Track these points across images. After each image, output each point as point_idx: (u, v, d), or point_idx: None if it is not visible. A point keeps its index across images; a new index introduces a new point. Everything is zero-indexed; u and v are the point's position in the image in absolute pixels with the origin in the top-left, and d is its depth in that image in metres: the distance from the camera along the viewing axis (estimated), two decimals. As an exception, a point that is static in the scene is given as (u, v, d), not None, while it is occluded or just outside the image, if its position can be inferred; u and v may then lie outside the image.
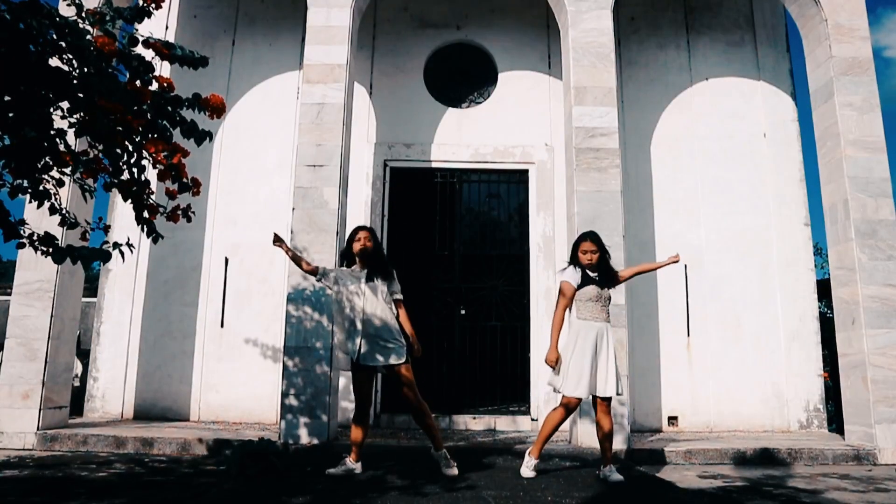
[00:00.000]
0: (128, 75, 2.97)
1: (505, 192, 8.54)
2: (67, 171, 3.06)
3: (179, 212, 3.37)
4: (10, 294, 6.78)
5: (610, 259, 5.06)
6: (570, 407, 4.85)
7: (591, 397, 4.92)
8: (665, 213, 8.26)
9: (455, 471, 4.79)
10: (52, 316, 6.55)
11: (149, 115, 3.01)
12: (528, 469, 4.84)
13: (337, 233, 6.61)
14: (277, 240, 5.05)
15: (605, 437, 4.85)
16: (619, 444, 6.10)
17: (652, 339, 7.93)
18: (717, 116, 8.52)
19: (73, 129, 2.89)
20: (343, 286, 4.87)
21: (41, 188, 3.02)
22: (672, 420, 7.77)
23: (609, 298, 4.96)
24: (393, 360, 4.78)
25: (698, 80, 8.65)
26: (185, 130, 3.14)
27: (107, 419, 7.57)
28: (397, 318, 4.91)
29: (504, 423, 7.64)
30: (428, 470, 4.96)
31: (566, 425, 7.01)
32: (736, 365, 7.88)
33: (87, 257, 3.05)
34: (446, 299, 8.19)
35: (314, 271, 5.04)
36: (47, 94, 2.73)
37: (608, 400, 4.84)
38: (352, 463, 4.86)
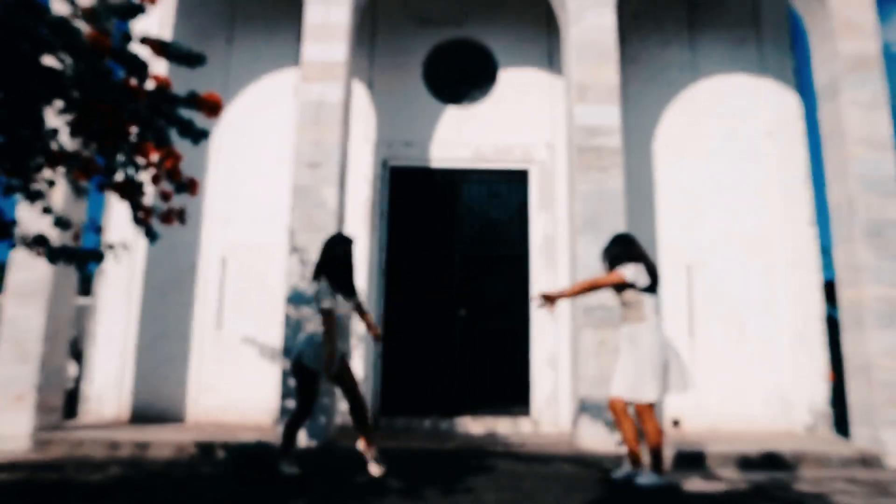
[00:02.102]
0: (123, 73, 2.91)
1: (505, 191, 8.47)
2: (61, 170, 3.01)
3: (173, 214, 3.32)
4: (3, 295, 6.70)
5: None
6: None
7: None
8: (667, 212, 8.19)
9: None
10: (46, 317, 6.46)
11: (145, 114, 2.95)
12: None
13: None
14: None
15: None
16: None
17: (654, 340, 7.85)
18: (720, 115, 8.45)
19: (67, 128, 2.83)
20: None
21: (34, 189, 2.97)
22: (675, 422, 7.71)
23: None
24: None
25: (702, 77, 8.58)
26: (182, 129, 3.09)
27: (102, 421, 7.48)
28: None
29: (505, 426, 7.58)
30: (427, 473, 4.91)
31: (568, 428, 6.95)
32: (740, 366, 7.81)
33: (81, 258, 3.01)
34: (446, 299, 8.12)
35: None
36: (41, 93, 2.67)
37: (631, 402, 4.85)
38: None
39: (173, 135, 3.12)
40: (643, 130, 8.41)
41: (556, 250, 7.99)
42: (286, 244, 7.09)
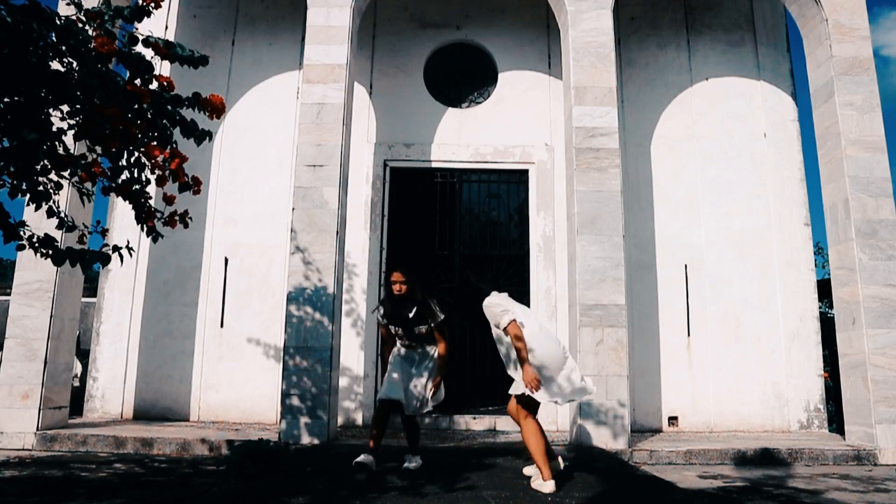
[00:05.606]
0: (128, 75, 2.97)
1: (505, 192, 8.53)
2: (66, 173, 3.06)
3: (177, 217, 3.37)
4: (9, 294, 6.77)
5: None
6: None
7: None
8: (665, 212, 8.25)
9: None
10: (51, 316, 6.55)
11: (149, 115, 3.01)
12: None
13: (337, 232, 6.60)
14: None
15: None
16: (619, 444, 6.11)
17: (652, 339, 7.92)
18: (717, 116, 8.52)
19: (73, 132, 2.89)
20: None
21: (39, 189, 3.02)
22: (672, 420, 7.77)
23: None
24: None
25: (698, 80, 8.65)
26: (185, 130, 3.14)
27: (106, 419, 7.57)
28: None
29: (505, 424, 7.62)
30: (427, 470, 4.96)
31: (567, 426, 7.01)
32: (736, 365, 7.87)
33: (86, 260, 3.04)
34: (446, 299, 8.17)
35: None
36: (47, 97, 2.73)
37: None
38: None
39: (177, 136, 3.18)
40: (641, 131, 8.48)
41: (556, 250, 8.05)
42: (288, 244, 7.17)
